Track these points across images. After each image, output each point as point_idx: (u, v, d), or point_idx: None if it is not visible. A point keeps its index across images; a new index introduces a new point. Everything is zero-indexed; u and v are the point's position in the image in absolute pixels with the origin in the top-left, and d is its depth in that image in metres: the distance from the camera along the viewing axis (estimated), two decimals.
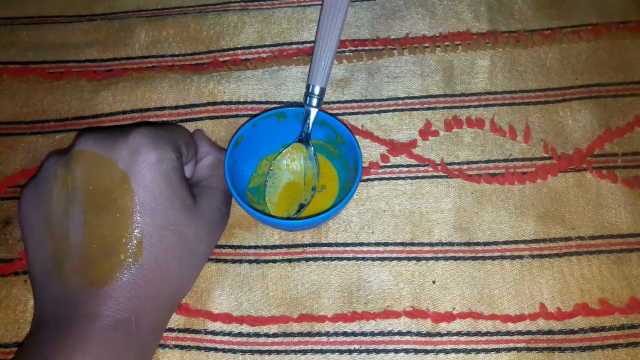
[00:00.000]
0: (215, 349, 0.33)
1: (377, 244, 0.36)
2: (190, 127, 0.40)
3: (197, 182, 0.34)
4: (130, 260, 0.29)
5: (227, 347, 0.33)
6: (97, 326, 0.27)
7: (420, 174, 0.38)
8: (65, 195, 0.30)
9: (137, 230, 0.29)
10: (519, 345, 0.32)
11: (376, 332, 0.33)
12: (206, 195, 0.33)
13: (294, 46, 0.43)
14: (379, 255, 0.35)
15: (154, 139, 0.30)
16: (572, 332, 0.33)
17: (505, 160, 0.38)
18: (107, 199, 0.29)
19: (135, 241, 0.29)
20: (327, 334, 0.33)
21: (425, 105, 0.40)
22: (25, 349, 0.28)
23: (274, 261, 0.36)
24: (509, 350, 0.32)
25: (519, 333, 0.33)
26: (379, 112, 0.40)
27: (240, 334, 0.34)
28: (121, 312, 0.28)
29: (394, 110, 0.40)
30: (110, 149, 0.30)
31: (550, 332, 0.33)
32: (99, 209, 0.29)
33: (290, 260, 0.35)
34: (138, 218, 0.29)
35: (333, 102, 0.40)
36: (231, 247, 0.36)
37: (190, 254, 0.32)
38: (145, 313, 0.30)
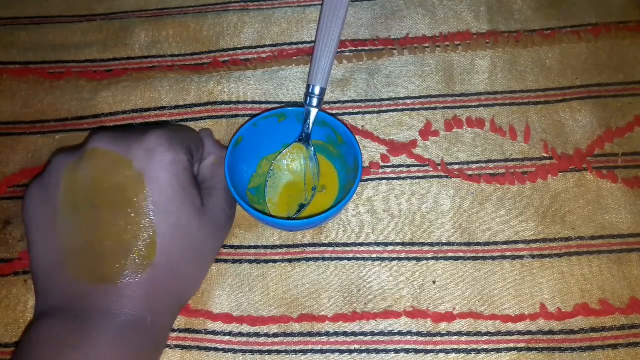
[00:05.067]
0: (216, 349, 0.33)
1: (378, 244, 0.36)
2: (191, 127, 0.40)
3: (202, 182, 0.34)
4: (143, 259, 0.29)
5: (227, 347, 0.33)
6: (113, 322, 0.28)
7: (420, 174, 0.37)
8: (77, 191, 0.30)
9: (150, 230, 0.29)
10: (519, 345, 0.32)
11: (376, 332, 0.33)
12: (212, 197, 0.33)
13: (294, 46, 0.43)
14: (379, 255, 0.35)
15: (169, 140, 0.30)
16: (572, 332, 0.33)
17: (505, 160, 0.38)
18: (122, 197, 0.29)
19: (149, 240, 0.29)
20: (327, 334, 0.33)
21: (425, 105, 0.40)
22: (34, 336, 0.28)
23: (274, 261, 0.36)
24: (509, 350, 0.32)
25: (519, 333, 0.33)
26: (379, 112, 0.40)
27: (240, 334, 0.34)
28: (136, 310, 0.29)
29: (394, 111, 0.40)
30: (125, 149, 0.30)
31: (550, 332, 0.33)
32: (113, 207, 0.29)
33: (290, 260, 0.35)
34: (152, 218, 0.29)
35: (333, 102, 0.40)
36: (231, 247, 0.36)
37: (198, 255, 0.32)
38: (158, 312, 0.30)
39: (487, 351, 0.32)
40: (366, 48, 0.42)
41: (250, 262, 0.36)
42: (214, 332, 0.34)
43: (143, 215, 0.29)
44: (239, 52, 0.43)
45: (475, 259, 0.35)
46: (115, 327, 0.28)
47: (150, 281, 0.29)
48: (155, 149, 0.30)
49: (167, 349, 0.33)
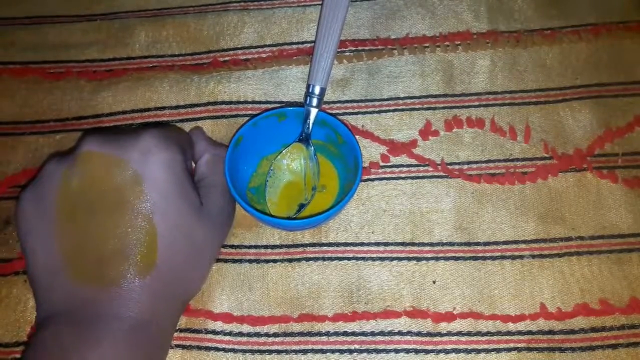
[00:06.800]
0: (216, 349, 0.33)
1: (378, 244, 0.36)
2: (190, 127, 0.40)
3: (200, 180, 0.34)
4: (146, 260, 0.29)
5: (227, 346, 0.33)
6: (120, 326, 0.28)
7: (420, 174, 0.37)
8: (74, 196, 0.29)
9: (151, 231, 0.29)
10: (519, 345, 0.32)
11: (376, 332, 0.33)
12: (210, 195, 0.33)
13: (294, 46, 0.43)
14: (379, 255, 0.35)
15: (164, 140, 0.30)
16: (572, 332, 0.33)
17: (505, 160, 0.38)
18: (119, 200, 0.29)
19: (150, 242, 0.29)
20: (327, 333, 0.33)
21: (425, 105, 0.40)
22: (40, 343, 0.28)
23: (274, 261, 0.36)
24: (509, 350, 0.32)
25: (520, 333, 0.33)
26: (379, 112, 0.40)
27: (240, 334, 0.34)
28: (142, 313, 0.28)
29: (394, 110, 0.40)
30: (120, 150, 0.29)
31: (550, 332, 0.33)
32: (112, 210, 0.29)
33: (290, 260, 0.35)
34: (152, 219, 0.29)
35: (333, 102, 0.40)
36: (231, 246, 0.36)
37: (199, 254, 0.32)
38: (163, 313, 0.30)
39: (487, 351, 0.32)
40: (366, 48, 0.42)
41: (250, 261, 0.36)
42: (214, 332, 0.34)
43: (143, 216, 0.29)
44: (239, 52, 0.43)
45: (475, 258, 0.35)
46: (122, 332, 0.27)
47: (155, 283, 0.29)
48: (150, 149, 0.30)
49: None
